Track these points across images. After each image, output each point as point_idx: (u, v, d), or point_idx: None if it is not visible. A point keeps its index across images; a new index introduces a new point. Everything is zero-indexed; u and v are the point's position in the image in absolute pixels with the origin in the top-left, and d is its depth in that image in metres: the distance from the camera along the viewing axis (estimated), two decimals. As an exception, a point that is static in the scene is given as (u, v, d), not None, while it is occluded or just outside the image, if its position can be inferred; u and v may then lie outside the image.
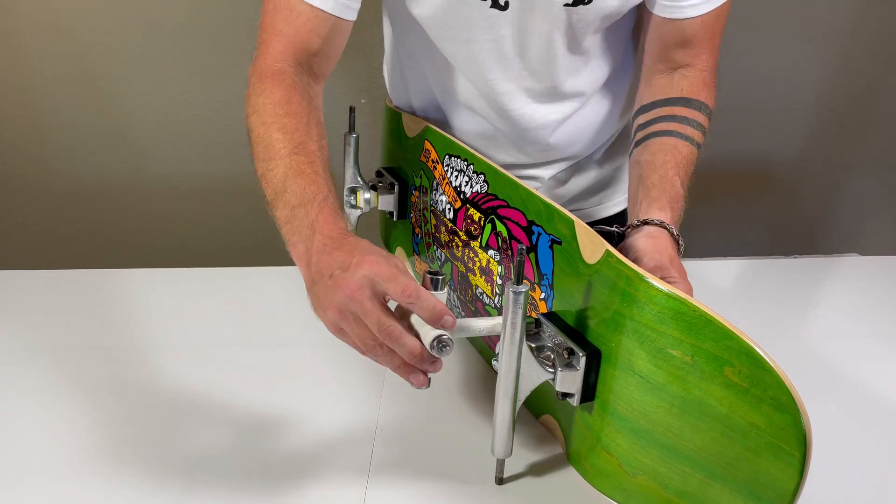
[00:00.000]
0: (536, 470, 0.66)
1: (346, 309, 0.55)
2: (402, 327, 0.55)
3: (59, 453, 0.69)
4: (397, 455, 0.68)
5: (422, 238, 0.94)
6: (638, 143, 0.80)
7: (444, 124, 0.93)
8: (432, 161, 0.89)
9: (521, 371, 0.57)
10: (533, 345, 0.59)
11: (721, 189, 1.57)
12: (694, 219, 1.57)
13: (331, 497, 0.63)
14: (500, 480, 0.64)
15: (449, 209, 0.84)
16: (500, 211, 0.74)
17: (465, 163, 0.81)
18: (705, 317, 0.49)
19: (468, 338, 0.84)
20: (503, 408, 0.58)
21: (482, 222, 0.77)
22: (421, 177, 0.92)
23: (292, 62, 0.73)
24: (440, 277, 0.57)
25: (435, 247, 0.90)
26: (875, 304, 0.92)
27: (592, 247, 0.59)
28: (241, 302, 0.96)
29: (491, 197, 0.76)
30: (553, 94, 0.85)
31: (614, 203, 1.02)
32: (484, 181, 0.77)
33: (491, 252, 0.75)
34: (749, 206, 1.60)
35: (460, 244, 0.83)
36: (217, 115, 1.44)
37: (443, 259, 0.88)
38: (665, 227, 0.69)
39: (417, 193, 0.94)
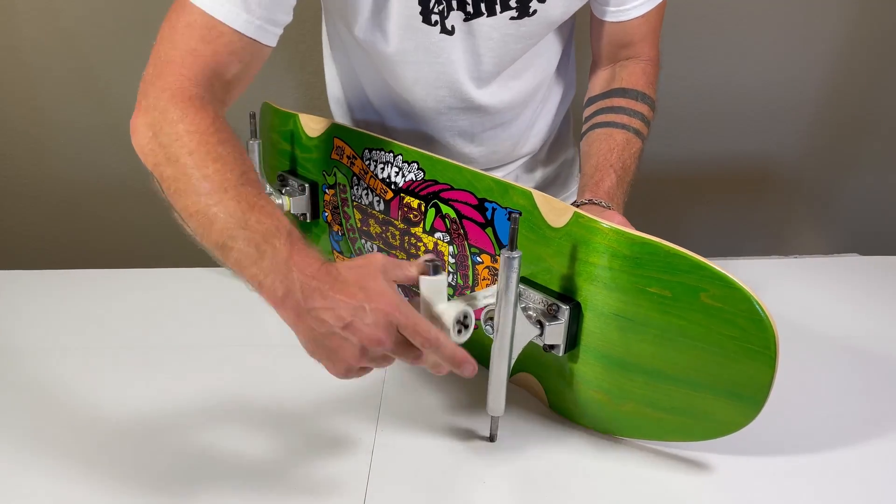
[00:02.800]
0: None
1: (368, 355, 0.56)
2: (430, 353, 0.57)
3: (58, 453, 0.68)
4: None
5: (343, 235, 0.96)
6: (582, 136, 0.87)
7: (400, 131, 0.94)
8: (348, 157, 0.91)
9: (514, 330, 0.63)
10: (520, 305, 0.65)
11: (721, 189, 1.57)
12: (694, 219, 1.63)
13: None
14: (493, 437, 0.69)
15: (378, 201, 0.87)
16: (443, 195, 0.78)
17: (392, 154, 0.84)
18: (678, 253, 0.58)
19: None
20: (500, 367, 0.63)
21: (422, 208, 0.81)
22: (335, 175, 0.93)
23: (207, 88, 0.65)
24: (437, 263, 0.60)
25: (363, 240, 0.92)
26: (875, 304, 0.92)
27: (556, 212, 0.65)
28: (241, 301, 0.96)
29: (429, 183, 0.80)
30: (505, 92, 0.89)
31: (560, 199, 1.09)
32: (418, 169, 0.81)
33: (438, 235, 0.80)
34: (749, 206, 1.59)
35: (397, 233, 0.86)
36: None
37: (375, 251, 0.90)
38: (594, 203, 0.76)
39: (332, 192, 0.95)
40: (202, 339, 0.87)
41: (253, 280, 0.57)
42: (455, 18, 0.78)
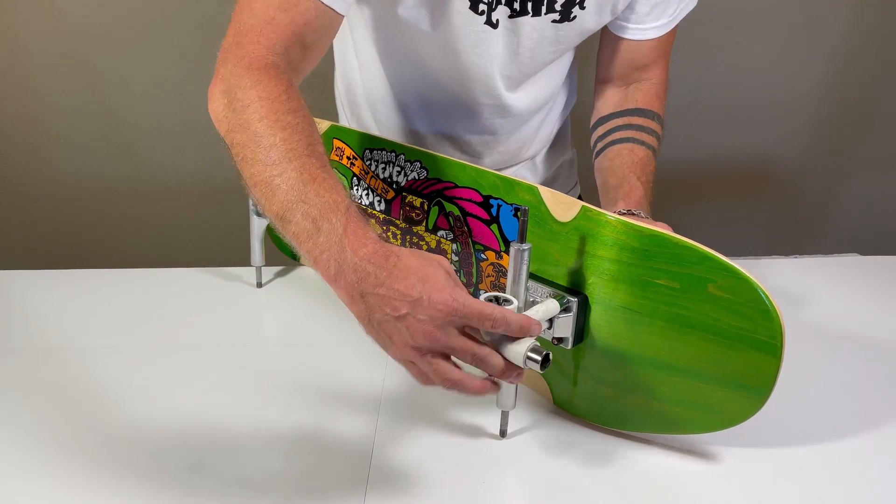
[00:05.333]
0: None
1: (427, 348, 0.54)
2: (489, 349, 0.55)
3: (58, 453, 0.68)
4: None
5: (342, 236, 0.96)
6: (598, 153, 0.87)
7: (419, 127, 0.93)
8: (348, 158, 0.91)
9: (523, 324, 0.63)
10: (529, 299, 0.65)
11: (721, 189, 1.57)
12: (694, 219, 1.63)
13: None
14: (504, 433, 0.69)
15: (379, 201, 0.87)
16: (446, 193, 0.79)
17: (394, 154, 0.85)
18: (687, 245, 0.59)
19: None
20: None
21: (425, 207, 0.81)
22: (334, 176, 0.94)
23: (284, 57, 0.65)
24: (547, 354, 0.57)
25: (363, 241, 0.92)
26: (875, 304, 0.93)
27: (563, 206, 0.66)
28: (240, 301, 0.96)
29: (433, 181, 0.80)
30: (527, 95, 0.89)
31: None
32: (421, 167, 0.82)
33: (441, 233, 0.80)
34: (749, 206, 1.60)
35: (398, 232, 0.86)
36: (217, 114, 1.48)
37: (375, 251, 0.91)
38: (633, 214, 0.75)
39: (331, 193, 0.95)
40: (202, 339, 0.87)
41: (309, 255, 0.57)
42: (501, 13, 0.78)
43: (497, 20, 0.79)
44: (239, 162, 0.61)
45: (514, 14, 0.78)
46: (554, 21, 0.80)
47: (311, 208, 0.56)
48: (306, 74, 0.71)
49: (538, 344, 0.57)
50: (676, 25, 0.87)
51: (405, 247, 0.72)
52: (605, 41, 0.90)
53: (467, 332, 0.56)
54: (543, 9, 0.79)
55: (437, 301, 0.52)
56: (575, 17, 0.80)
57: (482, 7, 0.77)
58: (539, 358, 0.56)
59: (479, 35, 0.79)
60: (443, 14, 0.78)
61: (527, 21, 0.79)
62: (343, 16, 0.70)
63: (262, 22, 0.65)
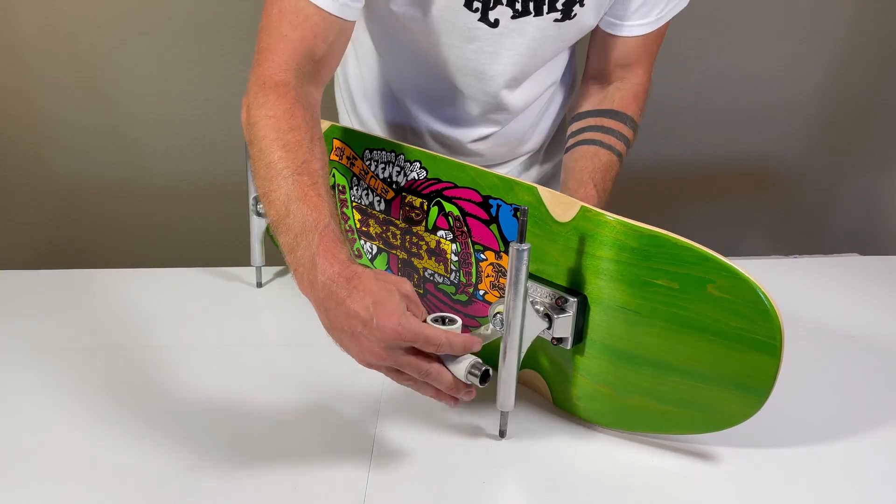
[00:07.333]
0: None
1: (378, 364, 0.59)
2: (438, 366, 0.60)
3: (59, 453, 0.68)
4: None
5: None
6: (568, 149, 0.89)
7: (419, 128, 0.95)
8: (348, 158, 0.91)
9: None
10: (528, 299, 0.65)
11: (721, 189, 1.58)
12: (694, 219, 1.64)
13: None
14: (503, 433, 0.69)
15: (379, 201, 0.87)
16: (446, 193, 0.79)
17: (393, 154, 0.85)
18: (686, 245, 0.59)
19: None
20: (510, 360, 0.63)
21: (425, 207, 0.81)
22: (334, 175, 0.94)
23: (296, 71, 0.70)
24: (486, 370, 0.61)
25: (363, 241, 0.92)
26: (875, 304, 0.93)
27: (563, 207, 0.66)
28: (240, 301, 0.96)
29: (432, 181, 0.80)
30: (522, 90, 0.90)
31: None
32: (421, 168, 0.82)
33: (441, 233, 0.80)
34: (749, 206, 1.61)
35: (398, 232, 0.86)
36: (217, 114, 1.46)
37: (374, 251, 0.91)
38: None
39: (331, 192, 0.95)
40: (202, 339, 0.87)
41: (290, 266, 0.63)
42: (502, 14, 0.80)
43: (496, 20, 0.80)
44: (252, 173, 0.68)
45: (516, 14, 0.80)
46: (556, 20, 0.81)
47: (294, 224, 0.61)
48: (328, 80, 0.76)
49: (479, 360, 0.61)
50: (665, 26, 0.87)
51: (403, 247, 0.74)
52: (592, 37, 0.91)
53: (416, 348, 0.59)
54: (545, 8, 0.80)
55: (384, 326, 0.56)
56: (576, 14, 0.82)
57: (476, 5, 0.79)
58: (479, 373, 0.60)
59: (473, 32, 0.81)
60: (437, 9, 0.79)
61: (530, 21, 0.81)
62: (353, 21, 0.74)
63: (276, 40, 0.70)
